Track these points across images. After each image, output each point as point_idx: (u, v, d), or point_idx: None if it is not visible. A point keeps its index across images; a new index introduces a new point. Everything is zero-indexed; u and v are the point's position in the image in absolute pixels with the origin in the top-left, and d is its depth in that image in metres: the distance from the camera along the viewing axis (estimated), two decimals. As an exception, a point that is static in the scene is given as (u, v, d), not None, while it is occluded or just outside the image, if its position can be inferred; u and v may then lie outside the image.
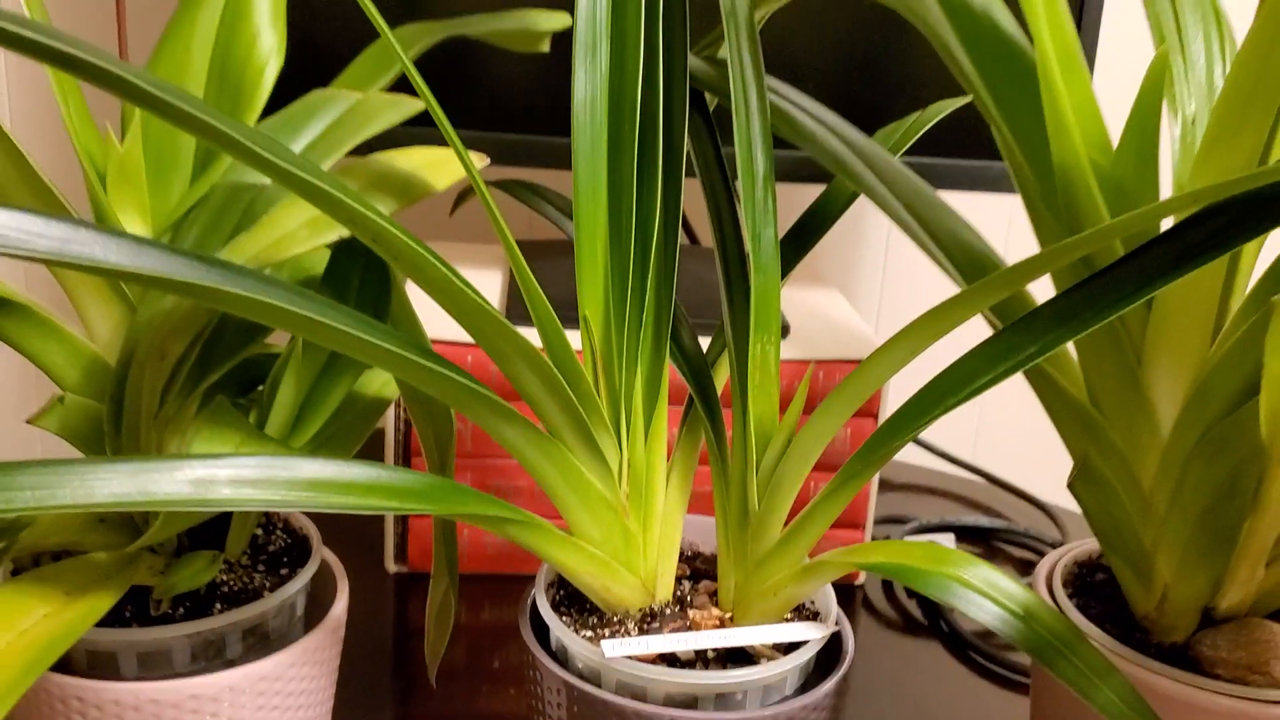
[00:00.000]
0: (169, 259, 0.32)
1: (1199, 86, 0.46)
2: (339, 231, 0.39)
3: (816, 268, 1.00)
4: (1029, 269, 0.37)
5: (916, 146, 0.80)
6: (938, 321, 0.39)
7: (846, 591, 0.76)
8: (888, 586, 0.78)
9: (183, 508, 0.34)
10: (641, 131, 0.43)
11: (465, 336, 0.40)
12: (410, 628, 0.70)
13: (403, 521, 0.74)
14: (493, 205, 0.40)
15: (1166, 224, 0.39)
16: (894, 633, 0.73)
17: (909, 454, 1.01)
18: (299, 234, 0.38)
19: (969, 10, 0.43)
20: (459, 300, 0.38)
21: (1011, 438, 1.10)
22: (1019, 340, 0.40)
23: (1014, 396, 1.07)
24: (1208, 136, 0.38)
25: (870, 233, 1.05)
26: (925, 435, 1.01)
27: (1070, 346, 0.46)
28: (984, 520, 0.86)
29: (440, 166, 0.42)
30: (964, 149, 0.79)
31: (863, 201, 1.15)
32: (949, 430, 1.09)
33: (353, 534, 0.78)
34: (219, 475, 0.35)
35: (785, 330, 0.73)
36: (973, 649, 0.71)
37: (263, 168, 0.33)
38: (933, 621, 0.74)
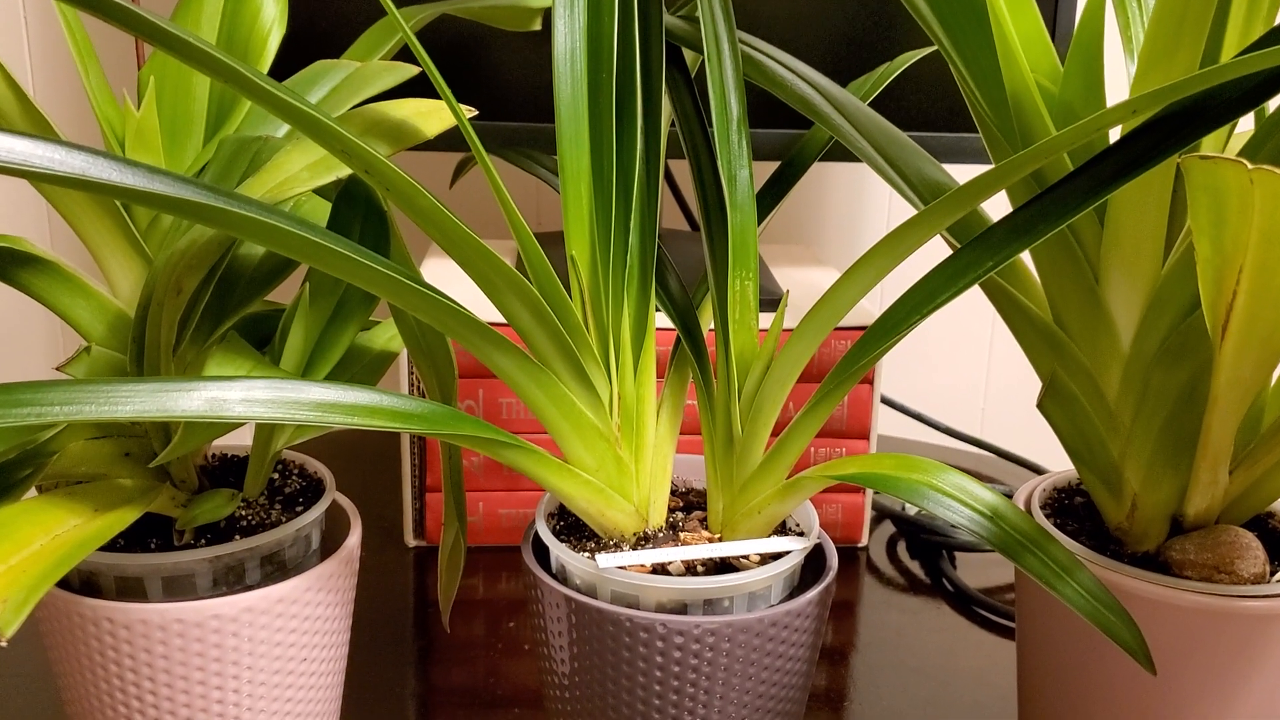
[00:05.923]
0: (181, 185, 0.36)
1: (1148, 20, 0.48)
2: (337, 172, 0.42)
3: (819, 252, 1.03)
4: (982, 186, 0.40)
5: (912, 122, 0.82)
6: (899, 244, 0.42)
7: (850, 554, 0.78)
8: (890, 547, 0.80)
9: (198, 419, 0.37)
10: (620, 81, 0.46)
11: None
12: (429, 597, 0.72)
13: (420, 497, 0.76)
14: (480, 148, 0.43)
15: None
16: (898, 591, 0.74)
17: (916, 432, 1.03)
18: (300, 176, 0.41)
19: (922, -45, 0.46)
20: (448, 230, 0.40)
21: (1017, 414, 1.12)
22: (977, 256, 0.42)
23: (1018, 374, 1.09)
24: (1144, 56, 0.40)
25: (870, 213, 1.07)
26: (931, 413, 1.03)
27: (1033, 269, 0.49)
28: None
29: (430, 115, 0.45)
30: (959, 124, 0.81)
31: (864, 184, 1.16)
32: (956, 409, 1.11)
33: (372, 510, 0.81)
34: (232, 394, 0.38)
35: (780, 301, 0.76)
36: (976, 603, 0.72)
37: (268, 102, 0.37)
38: (935, 579, 0.76)
